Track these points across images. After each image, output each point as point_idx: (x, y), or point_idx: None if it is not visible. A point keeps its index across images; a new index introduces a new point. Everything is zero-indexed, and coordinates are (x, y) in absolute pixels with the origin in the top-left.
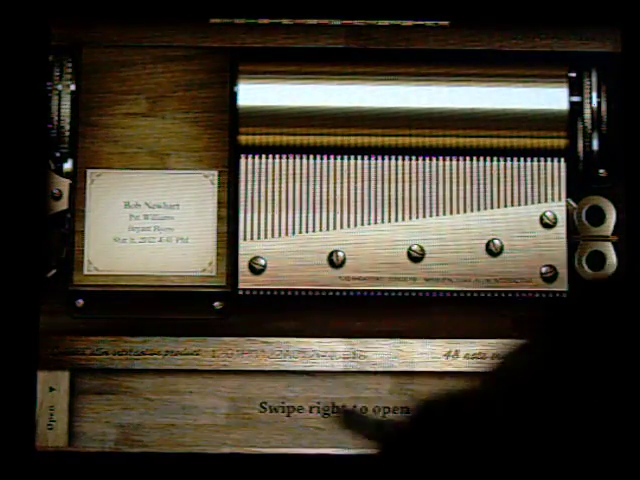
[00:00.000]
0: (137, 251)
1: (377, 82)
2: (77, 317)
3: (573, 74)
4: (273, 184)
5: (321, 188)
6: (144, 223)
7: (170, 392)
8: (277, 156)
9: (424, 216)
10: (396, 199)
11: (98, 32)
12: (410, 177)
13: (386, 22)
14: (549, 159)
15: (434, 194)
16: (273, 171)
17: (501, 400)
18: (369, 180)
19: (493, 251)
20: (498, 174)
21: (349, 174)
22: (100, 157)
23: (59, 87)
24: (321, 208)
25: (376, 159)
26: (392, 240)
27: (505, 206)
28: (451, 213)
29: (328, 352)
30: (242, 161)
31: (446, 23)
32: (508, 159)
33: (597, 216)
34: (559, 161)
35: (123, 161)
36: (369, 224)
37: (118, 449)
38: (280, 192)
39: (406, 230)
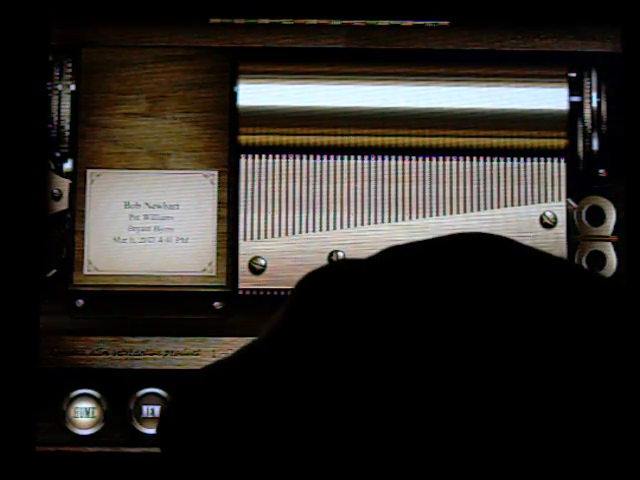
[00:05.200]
0: (137, 251)
1: (377, 82)
2: (77, 317)
3: (573, 74)
4: (273, 184)
5: (321, 188)
6: (144, 223)
7: None
8: (277, 156)
9: (424, 216)
10: (396, 199)
11: (98, 32)
12: (410, 177)
13: (386, 22)
14: (549, 159)
15: (434, 194)
16: (273, 171)
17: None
18: (369, 180)
19: None
20: (498, 174)
21: (349, 174)
22: (100, 157)
23: (59, 87)
24: (321, 208)
25: (376, 159)
26: (392, 240)
27: (505, 206)
28: (451, 213)
29: None
30: (242, 161)
31: (446, 23)
32: (508, 159)
33: (597, 216)
34: (559, 161)
35: (123, 161)
36: (369, 224)
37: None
38: (280, 192)
39: (406, 230)
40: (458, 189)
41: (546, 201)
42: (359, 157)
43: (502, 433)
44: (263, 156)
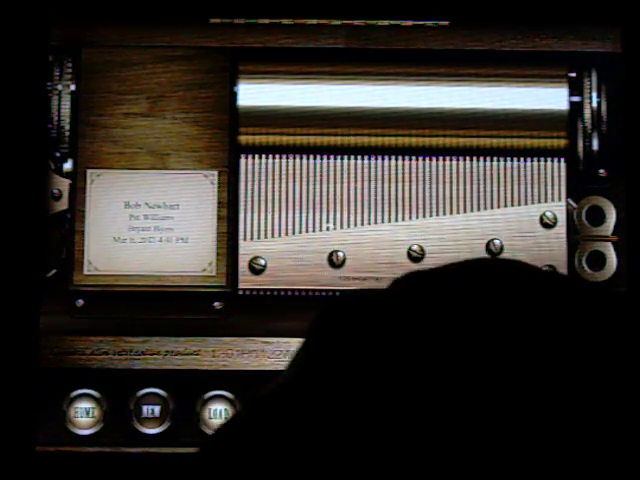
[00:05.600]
0: (137, 251)
1: (377, 82)
2: (77, 317)
3: (573, 74)
4: (273, 184)
5: (321, 188)
6: (144, 223)
7: None
8: (277, 156)
9: (424, 216)
10: (396, 199)
11: (98, 32)
12: (410, 177)
13: (386, 22)
14: (549, 159)
15: (434, 194)
16: (273, 171)
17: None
18: (369, 180)
19: (493, 251)
20: (498, 174)
21: (349, 174)
22: (100, 157)
23: (59, 87)
24: (321, 208)
25: (376, 159)
26: (392, 240)
27: (505, 206)
28: (451, 213)
29: None
30: (242, 161)
31: (446, 23)
32: (508, 159)
33: (597, 216)
34: (559, 161)
35: (123, 161)
36: (369, 224)
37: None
38: (280, 192)
39: (406, 230)
40: (458, 189)
41: (546, 201)
42: (359, 157)
43: (503, 438)
44: (263, 156)
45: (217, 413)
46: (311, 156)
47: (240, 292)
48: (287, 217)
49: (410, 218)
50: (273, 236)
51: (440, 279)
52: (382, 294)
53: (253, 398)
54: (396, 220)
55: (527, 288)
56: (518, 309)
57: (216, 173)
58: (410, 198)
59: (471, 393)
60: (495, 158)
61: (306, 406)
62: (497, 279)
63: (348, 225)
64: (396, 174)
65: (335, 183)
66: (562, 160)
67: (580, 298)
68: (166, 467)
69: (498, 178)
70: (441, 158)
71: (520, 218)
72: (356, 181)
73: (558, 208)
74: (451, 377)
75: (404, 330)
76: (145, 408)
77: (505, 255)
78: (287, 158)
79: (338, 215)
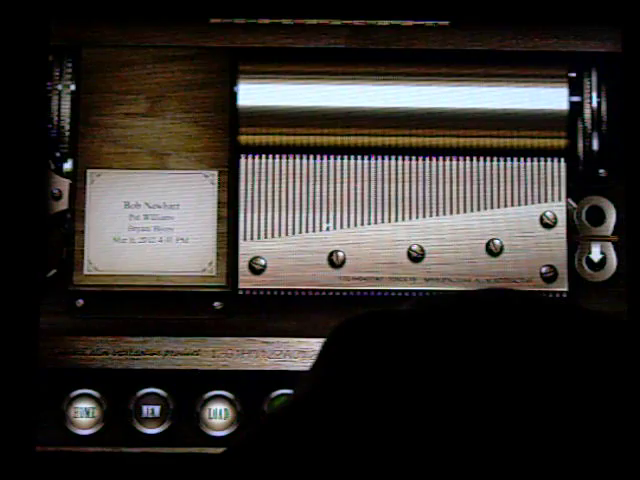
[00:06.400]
0: (137, 251)
1: (377, 82)
2: (77, 317)
3: (573, 74)
4: (273, 184)
5: (321, 188)
6: (144, 223)
7: None
8: (277, 156)
9: (424, 216)
10: (396, 199)
11: (98, 32)
12: (410, 177)
13: (386, 22)
14: (549, 159)
15: (434, 194)
16: (273, 171)
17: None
18: (369, 180)
19: (493, 251)
20: (498, 174)
21: (349, 174)
22: (100, 157)
23: (59, 87)
24: (321, 208)
25: (376, 159)
26: (392, 240)
27: (505, 206)
28: (451, 213)
29: None
30: (242, 161)
31: (446, 23)
32: (508, 159)
33: (597, 216)
34: (559, 161)
35: (123, 161)
36: (369, 224)
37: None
38: (280, 192)
39: (406, 230)
40: (458, 189)
41: (546, 201)
42: (359, 157)
43: (504, 439)
44: (263, 156)
45: (217, 413)
46: (311, 156)
47: (240, 292)
48: (287, 217)
49: (410, 218)
50: (273, 236)
51: (460, 304)
52: (403, 312)
53: (270, 412)
54: (396, 220)
55: (539, 319)
56: (526, 336)
57: (216, 173)
58: (410, 198)
59: (477, 402)
60: (495, 158)
61: (324, 423)
62: (509, 309)
63: (348, 225)
64: (396, 174)
65: (335, 183)
66: (562, 160)
67: (588, 327)
68: (166, 467)
69: (498, 178)
70: (441, 158)
71: (520, 218)
72: (356, 181)
73: (558, 208)
74: (463, 391)
75: (422, 347)
76: (145, 408)
77: (505, 255)
78: (287, 158)
79: (338, 215)
